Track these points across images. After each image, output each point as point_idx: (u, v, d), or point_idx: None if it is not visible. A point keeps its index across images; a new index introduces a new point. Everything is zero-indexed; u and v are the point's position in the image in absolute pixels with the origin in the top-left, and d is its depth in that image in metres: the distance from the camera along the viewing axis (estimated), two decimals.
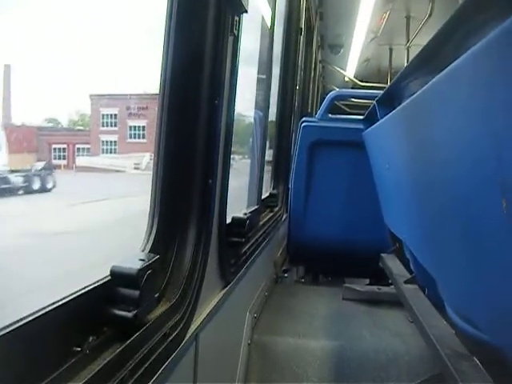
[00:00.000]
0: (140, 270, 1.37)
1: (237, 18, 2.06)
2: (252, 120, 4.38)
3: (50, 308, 1.14)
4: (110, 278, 1.38)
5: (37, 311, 1.11)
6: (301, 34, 5.50)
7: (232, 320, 2.74)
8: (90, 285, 1.33)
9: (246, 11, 2.10)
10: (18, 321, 1.04)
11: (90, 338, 1.25)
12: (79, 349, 1.20)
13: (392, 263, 3.47)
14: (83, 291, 1.28)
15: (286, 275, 5.19)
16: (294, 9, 5.17)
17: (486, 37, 1.05)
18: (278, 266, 4.85)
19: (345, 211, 5.03)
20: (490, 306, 1.47)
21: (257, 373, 3.07)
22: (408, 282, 2.91)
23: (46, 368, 1.10)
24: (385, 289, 4.17)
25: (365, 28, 8.18)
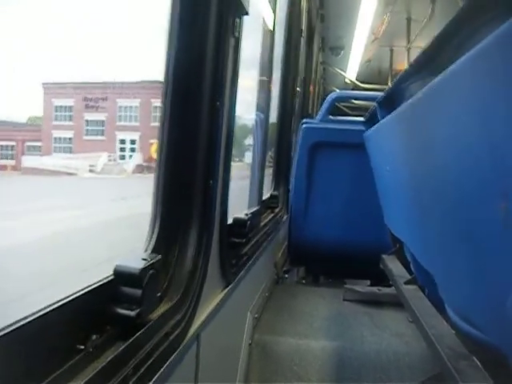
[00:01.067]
0: (142, 269, 1.38)
1: (238, 20, 2.07)
2: (252, 122, 4.39)
3: (54, 306, 1.16)
4: (113, 277, 1.39)
5: (41, 309, 1.12)
6: (302, 35, 5.52)
7: (233, 320, 2.75)
8: (94, 284, 1.34)
9: (247, 13, 2.12)
10: (22, 318, 1.06)
11: (94, 337, 1.26)
12: (83, 347, 1.21)
13: (392, 264, 3.47)
14: (87, 290, 1.30)
15: (286, 276, 5.20)
16: (295, 10, 5.18)
17: (485, 38, 1.06)
18: (278, 267, 4.86)
19: (345, 212, 5.04)
20: (489, 307, 1.47)
21: (257, 373, 3.08)
22: (408, 282, 2.92)
23: (50, 365, 1.11)
24: (385, 290, 4.18)
25: (366, 30, 8.19)
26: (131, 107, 8.30)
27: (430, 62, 1.76)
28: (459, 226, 1.59)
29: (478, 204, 1.34)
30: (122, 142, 8.74)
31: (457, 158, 1.46)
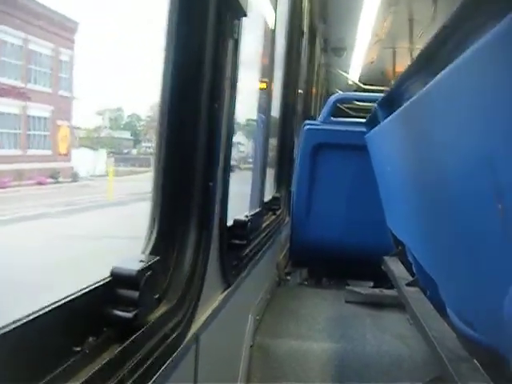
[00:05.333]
0: (139, 271, 1.38)
1: (237, 22, 2.07)
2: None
3: (50, 308, 1.15)
4: (110, 278, 1.39)
5: (37, 311, 1.11)
6: (303, 36, 5.52)
7: (234, 322, 2.75)
8: (91, 285, 1.34)
9: (246, 15, 2.12)
10: (18, 320, 1.05)
11: (90, 338, 1.26)
12: (79, 349, 1.21)
13: (394, 266, 3.47)
14: (83, 292, 1.29)
15: (288, 278, 5.20)
16: (296, 11, 5.18)
17: (484, 36, 1.06)
18: (280, 269, 4.86)
19: (347, 214, 5.04)
20: (489, 309, 1.47)
21: (259, 375, 3.07)
22: (410, 284, 2.92)
23: (46, 367, 1.10)
24: (387, 291, 4.17)
25: (368, 31, 8.19)
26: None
27: (429, 63, 1.75)
28: (460, 228, 1.59)
29: (478, 206, 1.34)
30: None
31: (455, 158, 1.46)
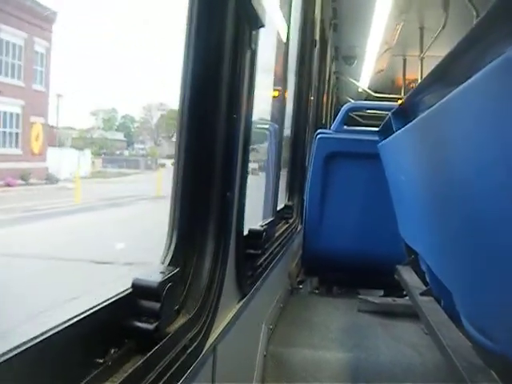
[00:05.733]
0: (161, 282, 1.39)
1: (254, 33, 2.08)
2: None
3: (73, 320, 1.16)
4: (131, 290, 1.40)
5: (60, 324, 1.12)
6: (315, 45, 5.53)
7: (248, 332, 2.75)
8: (112, 297, 1.35)
9: (263, 25, 2.12)
10: (42, 333, 1.06)
11: (112, 350, 1.27)
12: (101, 360, 1.22)
13: (407, 275, 3.46)
14: (105, 303, 1.30)
15: (300, 286, 5.20)
16: (308, 21, 5.19)
17: (504, 52, 1.07)
18: (292, 278, 4.86)
19: (360, 223, 5.04)
20: (506, 319, 1.47)
21: None
22: (424, 294, 2.91)
23: (70, 379, 1.11)
24: (400, 301, 4.17)
25: (379, 39, 8.20)
26: None
27: (446, 75, 1.76)
28: (476, 237, 1.59)
29: (494, 216, 1.34)
30: None
31: (473, 169, 1.46)
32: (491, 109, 1.23)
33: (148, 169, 13.02)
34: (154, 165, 13.17)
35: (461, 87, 1.39)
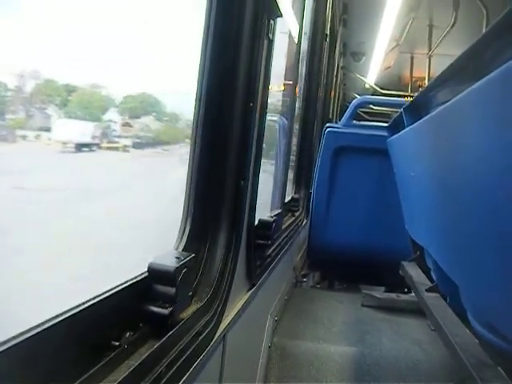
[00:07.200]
0: (177, 267, 1.39)
1: (272, 22, 2.08)
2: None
3: (90, 302, 1.17)
4: (147, 274, 1.41)
5: (78, 305, 1.14)
6: (326, 40, 5.52)
7: (255, 322, 2.76)
8: (128, 280, 1.36)
9: (281, 15, 2.13)
10: (60, 314, 1.07)
11: (127, 334, 1.28)
12: (117, 343, 1.23)
13: (413, 271, 3.46)
14: (121, 287, 1.32)
15: (305, 280, 5.21)
16: (320, 15, 5.18)
17: None
18: (297, 271, 4.87)
19: (366, 218, 5.05)
20: None
21: (276, 376, 3.08)
22: (430, 290, 2.91)
23: (89, 360, 1.13)
24: (404, 296, 4.18)
25: (387, 36, 8.17)
26: None
27: (460, 73, 1.76)
28: (485, 233, 1.59)
29: (503, 212, 1.35)
30: None
31: (483, 167, 1.46)
32: (505, 108, 1.23)
33: None
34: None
35: (475, 86, 1.40)
